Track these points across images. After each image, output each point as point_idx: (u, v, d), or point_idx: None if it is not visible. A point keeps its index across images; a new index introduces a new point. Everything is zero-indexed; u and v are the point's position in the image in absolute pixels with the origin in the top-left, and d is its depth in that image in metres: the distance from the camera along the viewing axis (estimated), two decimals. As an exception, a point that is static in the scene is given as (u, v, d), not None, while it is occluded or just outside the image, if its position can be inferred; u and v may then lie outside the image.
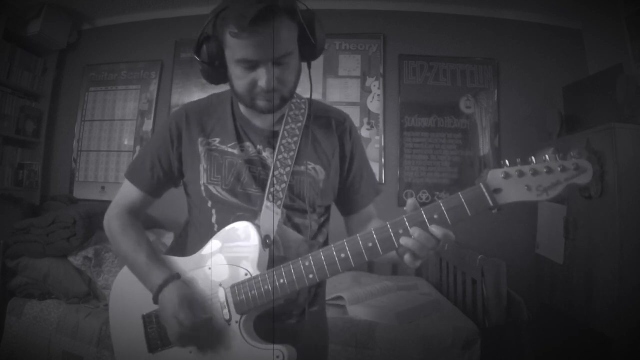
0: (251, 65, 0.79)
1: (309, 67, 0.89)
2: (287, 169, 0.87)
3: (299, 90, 0.92)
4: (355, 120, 2.83)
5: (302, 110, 0.93)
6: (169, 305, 0.80)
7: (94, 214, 2.10)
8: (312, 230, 0.91)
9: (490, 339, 1.65)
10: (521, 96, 2.82)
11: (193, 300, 0.82)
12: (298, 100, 0.95)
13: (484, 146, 2.81)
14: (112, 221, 0.94)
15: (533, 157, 0.65)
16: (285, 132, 0.89)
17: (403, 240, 0.69)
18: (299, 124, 0.91)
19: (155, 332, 0.87)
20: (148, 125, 3.02)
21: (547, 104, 2.70)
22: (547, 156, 0.64)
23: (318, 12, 0.86)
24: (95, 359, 1.76)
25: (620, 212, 1.87)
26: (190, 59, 3.01)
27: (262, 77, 0.79)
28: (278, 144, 0.88)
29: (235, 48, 0.78)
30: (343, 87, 2.88)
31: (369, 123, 2.86)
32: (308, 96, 0.94)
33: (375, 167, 2.75)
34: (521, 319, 1.66)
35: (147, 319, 0.89)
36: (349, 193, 0.98)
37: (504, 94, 2.84)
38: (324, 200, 0.95)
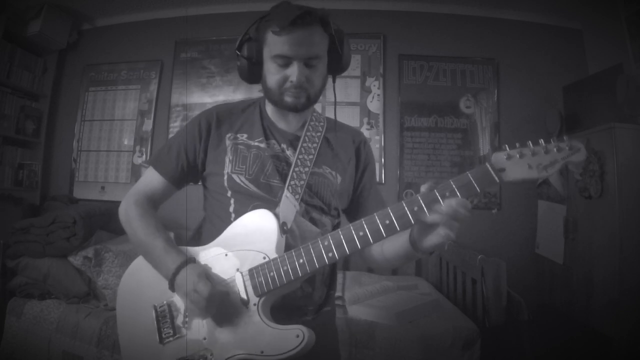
0: (285, 62, 0.88)
1: (334, 81, 1.00)
2: (306, 169, 0.93)
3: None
4: (355, 120, 2.84)
5: (322, 123, 1.02)
6: (188, 282, 0.81)
7: (94, 214, 2.10)
8: (326, 230, 0.94)
9: (490, 339, 1.65)
10: (521, 96, 2.82)
11: (210, 274, 0.84)
12: (318, 114, 1.04)
13: (484, 146, 2.81)
14: (130, 207, 0.94)
15: (530, 143, 0.70)
16: (306, 137, 0.97)
17: (443, 208, 0.71)
18: (319, 134, 1.00)
19: (168, 322, 0.86)
20: (148, 125, 3.02)
21: (547, 104, 2.70)
22: (541, 141, 0.70)
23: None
24: (95, 359, 1.76)
25: (620, 212, 1.88)
26: (191, 59, 3.03)
27: (293, 73, 0.87)
28: (299, 146, 0.95)
29: (274, 45, 0.87)
30: (343, 87, 2.87)
31: (369, 123, 2.86)
32: (325, 114, 1.04)
33: (375, 167, 2.76)
34: (521, 319, 1.66)
35: (160, 309, 0.88)
36: (358, 199, 1.03)
37: (504, 94, 2.84)
38: (340, 203, 1.00)
